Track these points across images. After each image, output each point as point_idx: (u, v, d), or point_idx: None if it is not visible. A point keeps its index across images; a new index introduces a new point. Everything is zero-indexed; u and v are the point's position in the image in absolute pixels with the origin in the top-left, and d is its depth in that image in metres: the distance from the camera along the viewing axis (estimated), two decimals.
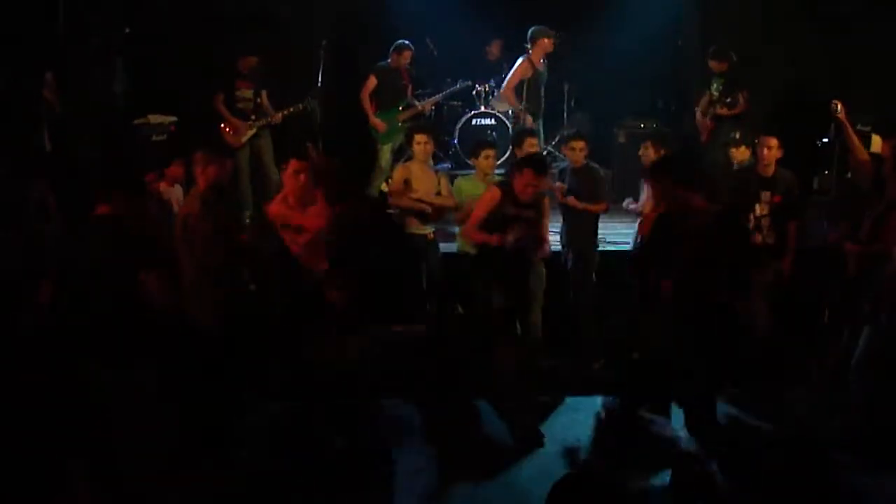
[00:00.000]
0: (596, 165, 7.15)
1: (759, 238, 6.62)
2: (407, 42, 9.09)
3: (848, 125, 6.65)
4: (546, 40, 8.93)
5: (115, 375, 4.23)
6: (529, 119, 8.80)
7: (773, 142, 6.69)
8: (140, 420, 4.46)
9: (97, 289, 4.27)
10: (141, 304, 4.47)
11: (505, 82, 9.04)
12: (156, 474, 4.51)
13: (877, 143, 7.02)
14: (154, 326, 4.51)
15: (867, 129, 7.36)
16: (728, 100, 8.45)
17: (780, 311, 6.63)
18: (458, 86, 9.85)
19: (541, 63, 8.99)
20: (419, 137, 7.01)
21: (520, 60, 8.96)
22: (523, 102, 8.86)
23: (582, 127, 9.00)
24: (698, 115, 8.82)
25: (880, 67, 8.91)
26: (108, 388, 4.23)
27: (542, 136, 8.79)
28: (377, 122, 9.02)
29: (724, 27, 9.70)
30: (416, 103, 9.36)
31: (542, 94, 9.07)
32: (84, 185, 5.90)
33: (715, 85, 8.73)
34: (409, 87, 9.33)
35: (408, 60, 9.12)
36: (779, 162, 6.78)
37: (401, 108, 9.18)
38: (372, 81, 9.04)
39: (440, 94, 9.77)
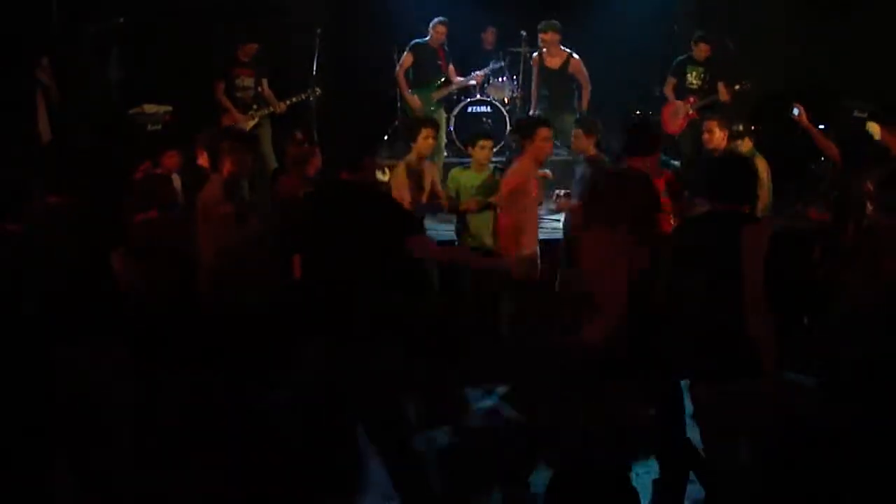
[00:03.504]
0: (601, 155, 7.01)
1: None
2: (444, 18, 9.02)
3: (811, 127, 6.60)
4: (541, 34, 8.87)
5: (90, 359, 4.18)
6: None
7: (713, 125, 6.39)
8: (122, 407, 4.43)
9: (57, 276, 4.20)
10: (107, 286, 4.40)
11: None
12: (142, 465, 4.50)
13: (875, 130, 6.99)
14: (127, 308, 4.47)
15: (863, 115, 7.35)
16: (710, 89, 8.48)
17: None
18: (493, 65, 9.85)
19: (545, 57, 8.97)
20: (425, 132, 6.67)
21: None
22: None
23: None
24: (676, 103, 8.79)
25: (880, 53, 8.90)
26: (84, 373, 4.19)
27: None
28: (413, 99, 8.94)
29: (721, 13, 9.69)
30: (458, 79, 9.28)
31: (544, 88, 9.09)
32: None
33: (694, 73, 8.72)
34: (450, 66, 9.22)
35: (443, 36, 9.02)
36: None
37: (438, 85, 9.10)
38: (408, 59, 8.97)
39: (481, 72, 9.68)
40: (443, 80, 9.17)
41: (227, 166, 5.43)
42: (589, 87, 8.83)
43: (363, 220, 4.15)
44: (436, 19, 9.02)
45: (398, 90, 9.26)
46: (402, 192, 6.46)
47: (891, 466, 4.49)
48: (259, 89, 8.40)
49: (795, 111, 6.58)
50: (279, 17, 9.65)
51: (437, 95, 9.11)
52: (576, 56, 8.87)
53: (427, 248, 4.41)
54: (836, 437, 4.92)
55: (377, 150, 4.67)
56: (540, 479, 4.91)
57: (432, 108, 8.96)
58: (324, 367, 4.20)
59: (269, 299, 5.35)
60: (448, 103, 10.28)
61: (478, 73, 9.55)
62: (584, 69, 8.85)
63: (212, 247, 5.32)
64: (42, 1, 7.76)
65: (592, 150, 6.69)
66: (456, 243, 6.98)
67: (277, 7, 9.72)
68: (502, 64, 10.03)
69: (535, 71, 9.17)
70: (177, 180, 6.91)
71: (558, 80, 8.89)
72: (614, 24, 10.06)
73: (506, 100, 10.17)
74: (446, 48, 9.18)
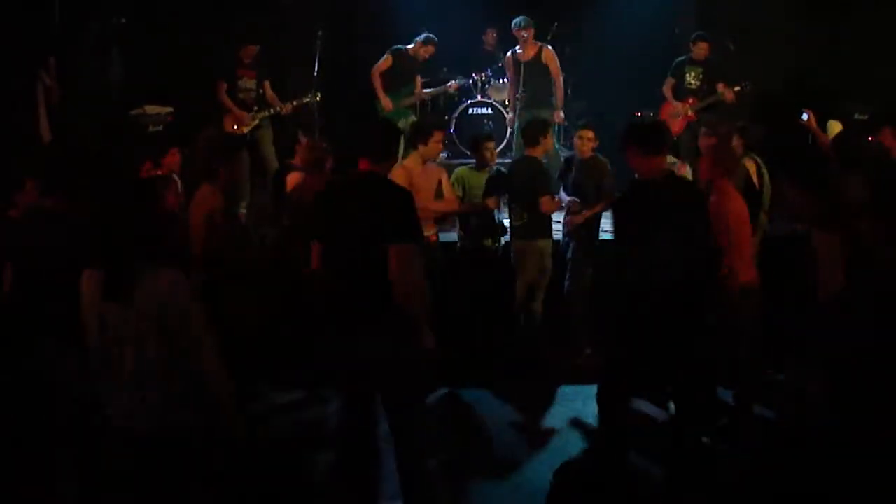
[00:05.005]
0: (603, 158, 6.99)
1: None
2: (434, 38, 8.93)
3: (819, 132, 6.59)
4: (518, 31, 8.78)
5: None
6: None
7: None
8: None
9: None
10: None
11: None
12: None
13: (834, 127, 6.98)
14: None
15: (864, 117, 7.36)
16: (709, 90, 8.49)
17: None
18: (453, 82, 9.64)
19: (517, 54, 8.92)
20: (438, 135, 6.57)
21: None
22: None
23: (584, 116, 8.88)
24: (675, 104, 8.80)
25: (880, 53, 8.89)
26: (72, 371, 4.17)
27: None
28: (387, 101, 8.89)
29: (721, 13, 9.69)
30: (423, 91, 9.18)
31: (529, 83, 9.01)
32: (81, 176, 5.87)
33: (693, 74, 8.72)
34: (417, 78, 9.11)
35: (429, 55, 9.00)
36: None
37: (404, 94, 9.02)
38: (387, 62, 8.90)
39: (436, 90, 9.51)
40: (411, 89, 9.03)
41: (226, 172, 5.18)
42: (561, 79, 8.74)
43: (373, 210, 4.20)
44: (425, 37, 8.90)
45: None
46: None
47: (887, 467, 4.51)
48: (261, 91, 8.38)
49: (805, 116, 6.58)
50: (280, 18, 9.65)
51: (403, 103, 9.00)
52: (549, 47, 8.81)
53: (402, 262, 4.10)
54: (831, 438, 4.96)
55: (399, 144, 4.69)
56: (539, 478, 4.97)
57: (398, 115, 8.82)
58: (339, 356, 4.28)
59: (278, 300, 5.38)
60: (450, 105, 10.30)
61: (433, 89, 9.32)
62: (556, 60, 8.75)
63: (209, 259, 5.04)
64: (44, 1, 7.76)
65: (589, 152, 6.83)
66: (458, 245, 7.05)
67: (278, 8, 9.71)
68: (456, 81, 9.75)
69: (510, 70, 9.04)
70: (176, 180, 6.90)
71: (534, 74, 8.80)
72: (614, 26, 10.06)
73: (506, 101, 10.17)
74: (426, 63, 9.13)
